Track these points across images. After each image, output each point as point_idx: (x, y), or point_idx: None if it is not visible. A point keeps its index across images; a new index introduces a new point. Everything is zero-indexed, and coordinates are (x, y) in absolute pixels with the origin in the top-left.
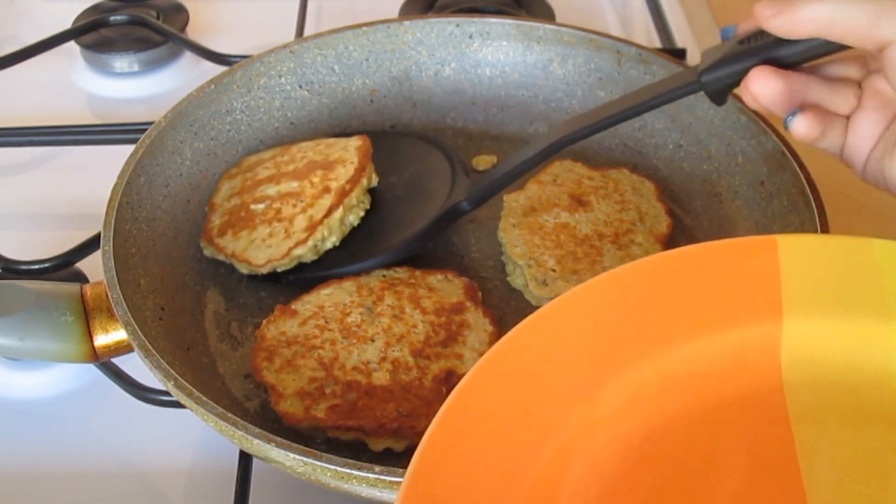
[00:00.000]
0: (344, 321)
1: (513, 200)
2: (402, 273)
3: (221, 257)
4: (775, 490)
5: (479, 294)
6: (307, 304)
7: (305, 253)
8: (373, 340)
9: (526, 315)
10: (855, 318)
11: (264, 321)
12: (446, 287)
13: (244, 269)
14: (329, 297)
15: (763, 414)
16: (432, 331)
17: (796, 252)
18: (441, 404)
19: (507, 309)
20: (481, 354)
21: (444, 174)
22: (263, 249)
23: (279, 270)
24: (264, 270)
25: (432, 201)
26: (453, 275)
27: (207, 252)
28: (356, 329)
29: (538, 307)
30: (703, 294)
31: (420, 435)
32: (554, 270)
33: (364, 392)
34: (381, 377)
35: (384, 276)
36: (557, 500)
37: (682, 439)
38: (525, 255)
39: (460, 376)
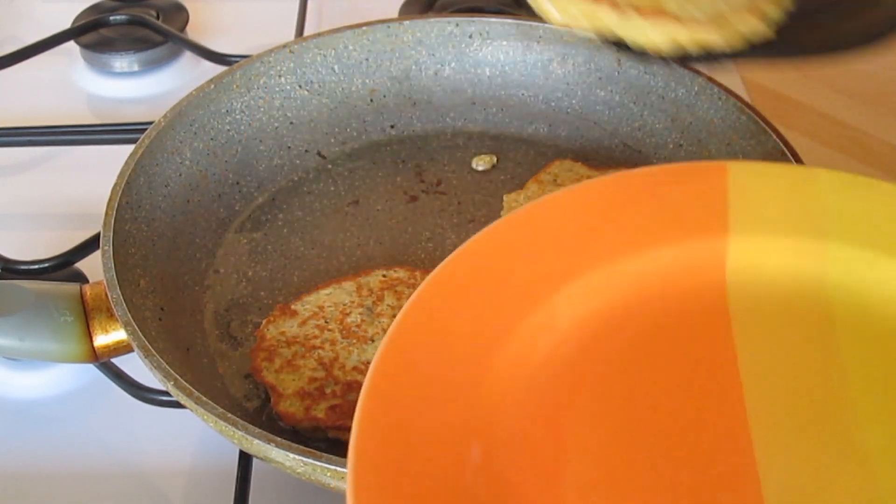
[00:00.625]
0: (344, 321)
1: (512, 200)
2: (401, 273)
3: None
4: (715, 380)
5: None
6: (307, 304)
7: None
8: (373, 340)
9: None
10: (795, 236)
11: (264, 321)
12: None
13: (656, 35)
14: (329, 297)
15: (707, 312)
16: None
17: (744, 177)
18: None
19: None
20: None
21: None
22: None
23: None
24: (713, 39)
25: None
26: None
27: (562, 15)
28: (356, 329)
29: None
30: (655, 211)
31: None
32: None
33: None
34: None
35: (384, 276)
36: (520, 388)
37: (632, 332)
38: None
39: None
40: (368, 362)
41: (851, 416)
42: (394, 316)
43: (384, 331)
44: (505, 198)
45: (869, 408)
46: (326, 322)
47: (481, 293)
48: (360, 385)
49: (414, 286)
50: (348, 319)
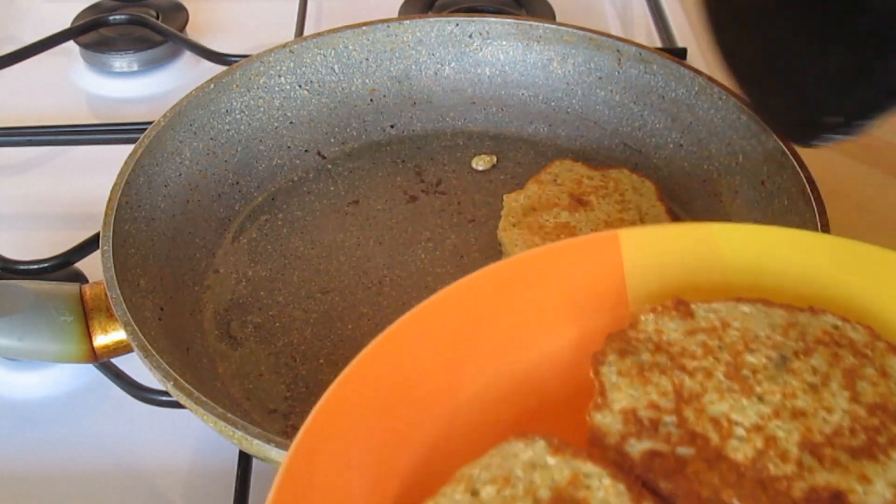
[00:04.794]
0: (740, 357)
1: (513, 200)
2: (859, 333)
3: None
4: None
5: None
6: (712, 312)
7: None
8: (760, 399)
9: None
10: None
11: (651, 307)
12: None
13: None
14: (745, 317)
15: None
16: (850, 429)
17: (638, 245)
18: None
19: None
20: None
21: None
22: None
23: None
24: None
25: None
26: None
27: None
28: (748, 375)
29: None
30: (550, 295)
31: None
32: None
33: (705, 457)
34: (740, 450)
35: (835, 326)
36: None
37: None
38: None
39: None
40: (736, 423)
41: None
42: (810, 384)
43: (783, 395)
44: (505, 198)
45: None
46: (720, 346)
47: (382, 401)
48: (705, 444)
49: (865, 358)
50: (747, 357)
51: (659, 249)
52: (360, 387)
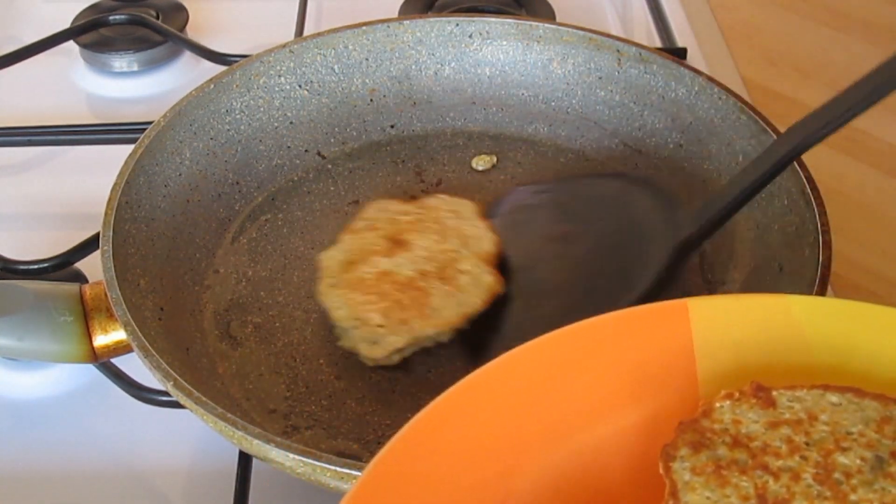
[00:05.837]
0: (830, 457)
1: (328, 258)
2: None
3: None
4: None
5: None
6: (796, 401)
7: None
8: None
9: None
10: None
11: (726, 393)
12: None
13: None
14: (834, 409)
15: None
16: None
17: (709, 317)
18: None
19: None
20: None
21: (649, 212)
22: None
23: None
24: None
25: (644, 245)
26: None
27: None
28: (840, 479)
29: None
30: (610, 370)
31: None
32: (382, 326)
33: None
34: None
35: None
36: None
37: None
38: (349, 317)
39: None
40: None
41: None
42: None
43: None
44: (319, 257)
45: None
46: (807, 443)
47: (418, 491)
48: None
49: None
50: (838, 458)
51: (732, 322)
52: (395, 472)
